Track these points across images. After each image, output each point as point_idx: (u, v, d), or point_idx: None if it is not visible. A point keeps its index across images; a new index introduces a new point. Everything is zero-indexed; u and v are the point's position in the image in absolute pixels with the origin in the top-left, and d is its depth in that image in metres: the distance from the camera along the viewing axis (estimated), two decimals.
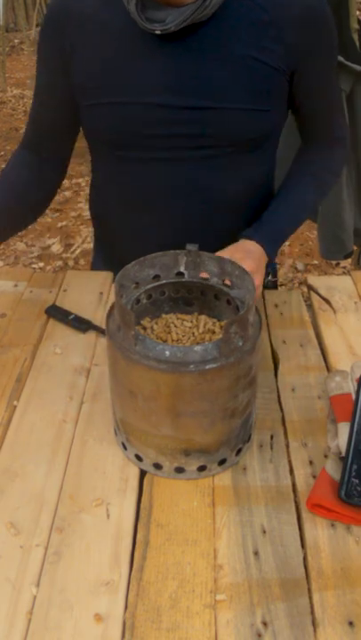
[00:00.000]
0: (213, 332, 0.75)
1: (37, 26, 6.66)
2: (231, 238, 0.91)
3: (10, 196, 0.97)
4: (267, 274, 1.14)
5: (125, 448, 0.73)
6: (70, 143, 1.04)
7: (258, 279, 0.84)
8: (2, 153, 4.08)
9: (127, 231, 1.03)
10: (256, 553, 0.63)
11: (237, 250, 0.86)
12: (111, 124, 0.91)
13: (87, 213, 2.72)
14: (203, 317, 0.76)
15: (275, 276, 1.18)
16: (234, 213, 0.98)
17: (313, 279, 1.08)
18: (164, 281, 0.75)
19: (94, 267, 1.20)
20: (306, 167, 1.02)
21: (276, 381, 0.86)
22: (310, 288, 1.06)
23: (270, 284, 1.15)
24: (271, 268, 1.17)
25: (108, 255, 1.15)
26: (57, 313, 0.98)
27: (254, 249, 0.88)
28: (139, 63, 0.87)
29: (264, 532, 0.65)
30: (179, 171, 0.93)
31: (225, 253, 0.82)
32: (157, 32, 0.82)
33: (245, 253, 0.85)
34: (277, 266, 1.25)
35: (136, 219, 1.00)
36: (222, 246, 0.88)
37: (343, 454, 0.70)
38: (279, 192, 1.00)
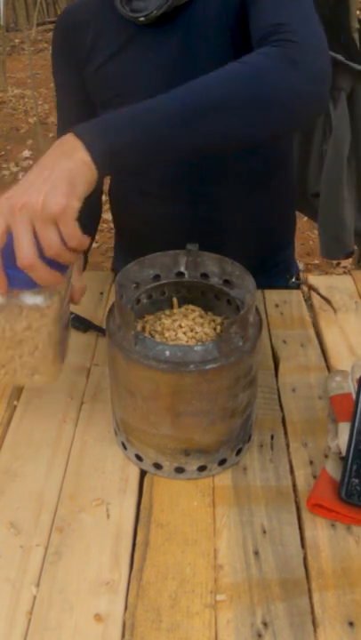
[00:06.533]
0: (214, 332, 0.75)
1: (38, 25, 6.67)
2: (261, 220, 0.95)
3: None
4: (290, 276, 1.13)
5: (125, 448, 0.73)
6: None
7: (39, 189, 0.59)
8: (2, 153, 4.08)
9: (151, 224, 1.03)
10: (256, 553, 0.63)
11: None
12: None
13: None
14: (203, 317, 0.76)
15: (298, 278, 1.17)
16: (260, 192, 0.99)
17: (313, 279, 1.08)
18: (164, 281, 0.75)
19: (116, 267, 1.20)
20: None
21: (277, 381, 0.86)
22: (311, 288, 1.06)
23: (293, 286, 1.14)
24: (295, 269, 1.16)
25: (132, 255, 1.16)
26: None
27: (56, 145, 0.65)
28: (134, 55, 0.90)
29: (264, 531, 0.65)
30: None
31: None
32: (141, 19, 0.85)
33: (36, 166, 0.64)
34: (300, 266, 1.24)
35: (158, 208, 1.01)
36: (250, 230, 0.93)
37: (343, 454, 0.70)
38: None
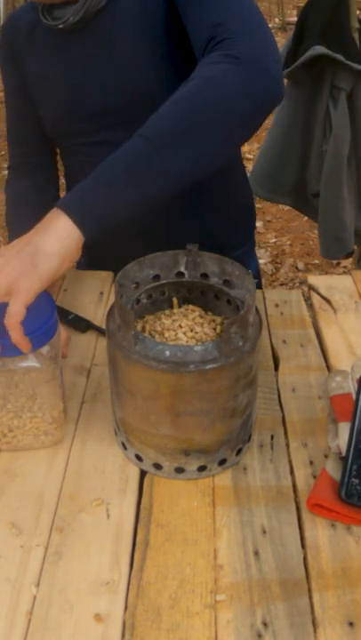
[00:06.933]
0: (214, 332, 0.75)
1: None
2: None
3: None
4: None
5: (125, 448, 0.73)
6: (54, 151, 1.10)
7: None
8: (2, 153, 4.08)
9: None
10: (256, 553, 0.63)
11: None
12: (53, 118, 0.99)
13: None
14: (203, 317, 0.76)
15: (256, 277, 1.17)
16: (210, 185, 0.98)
17: (313, 279, 1.08)
18: (164, 281, 0.75)
19: (79, 267, 1.20)
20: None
21: (277, 381, 0.86)
22: (311, 287, 1.06)
23: None
24: (253, 268, 1.16)
25: (99, 254, 1.15)
26: (57, 313, 0.98)
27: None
28: (62, 58, 0.93)
29: (264, 532, 0.65)
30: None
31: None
32: (60, 26, 0.89)
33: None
34: (260, 265, 1.22)
35: None
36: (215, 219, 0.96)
37: (343, 454, 0.70)
38: None
